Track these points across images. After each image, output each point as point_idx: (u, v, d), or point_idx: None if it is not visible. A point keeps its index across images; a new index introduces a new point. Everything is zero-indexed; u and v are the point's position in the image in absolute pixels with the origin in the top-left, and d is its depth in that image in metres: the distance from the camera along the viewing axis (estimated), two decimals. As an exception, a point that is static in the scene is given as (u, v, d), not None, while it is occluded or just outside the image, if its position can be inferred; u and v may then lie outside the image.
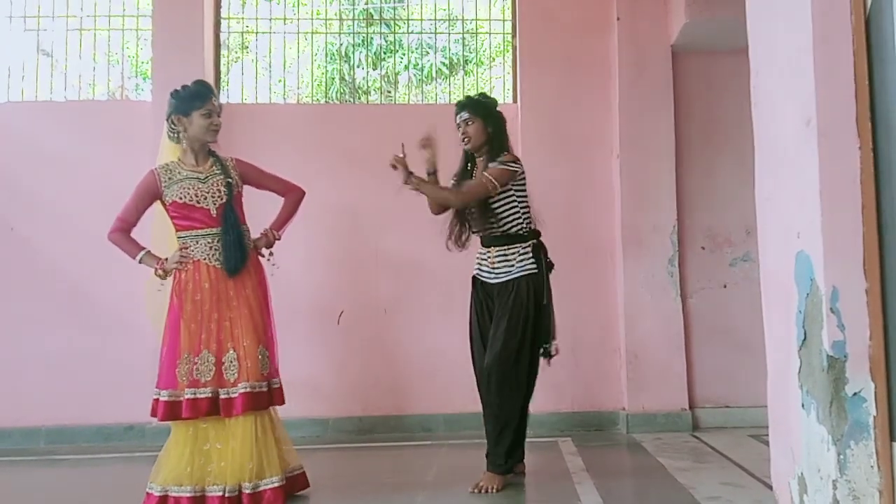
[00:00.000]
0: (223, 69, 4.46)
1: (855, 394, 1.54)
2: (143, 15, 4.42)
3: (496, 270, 2.87)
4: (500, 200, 2.85)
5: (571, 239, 4.12)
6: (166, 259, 2.71)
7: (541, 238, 2.96)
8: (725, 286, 4.11)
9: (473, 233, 2.99)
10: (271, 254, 2.85)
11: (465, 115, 2.92)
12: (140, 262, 2.74)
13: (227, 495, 2.52)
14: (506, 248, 2.87)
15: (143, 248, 2.75)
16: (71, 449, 3.85)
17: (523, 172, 2.90)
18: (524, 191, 2.92)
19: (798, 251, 1.68)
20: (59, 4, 4.36)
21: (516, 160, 2.89)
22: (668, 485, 2.85)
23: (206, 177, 2.70)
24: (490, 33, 4.66)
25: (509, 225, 2.87)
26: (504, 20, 4.54)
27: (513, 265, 2.85)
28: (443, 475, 3.07)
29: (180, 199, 2.66)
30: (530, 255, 2.87)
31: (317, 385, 4.00)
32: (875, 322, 1.55)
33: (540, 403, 4.05)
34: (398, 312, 4.13)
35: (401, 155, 2.80)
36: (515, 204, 2.88)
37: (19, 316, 4.04)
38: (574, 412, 4.04)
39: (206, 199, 2.67)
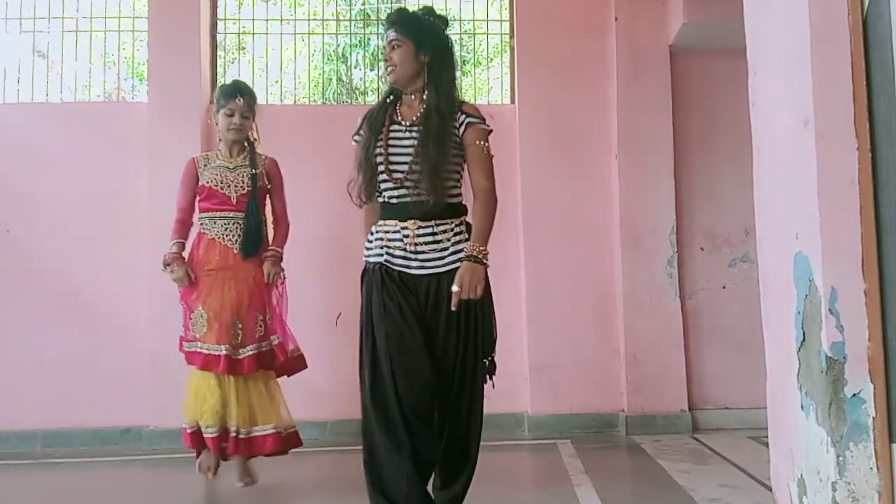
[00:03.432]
0: (220, 70, 4.45)
1: (854, 395, 1.54)
2: (139, 16, 4.40)
3: (420, 256, 2.09)
4: (453, 164, 2.14)
5: (570, 240, 4.12)
6: (176, 259, 2.92)
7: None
8: (724, 287, 4.10)
9: (385, 194, 2.15)
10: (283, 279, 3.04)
11: (392, 34, 2.16)
12: (170, 248, 2.95)
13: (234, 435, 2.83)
14: (434, 223, 2.09)
15: (179, 239, 2.96)
16: (67, 452, 3.83)
17: None
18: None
19: (797, 252, 1.68)
20: (55, 6, 4.35)
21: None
22: (668, 487, 2.84)
23: (235, 167, 2.96)
24: (488, 34, 4.65)
25: (447, 195, 2.11)
26: (502, 21, 4.53)
27: (446, 248, 2.09)
28: (441, 477, 3.06)
29: (208, 182, 2.93)
30: (465, 234, 2.13)
31: (315, 387, 3.98)
32: (874, 323, 1.54)
33: (539, 405, 4.07)
34: (396, 314, 4.12)
35: None
36: (459, 170, 2.18)
37: (15, 319, 4.02)
38: (573, 414, 4.02)
39: (229, 186, 2.92)
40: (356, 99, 5.07)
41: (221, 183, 2.92)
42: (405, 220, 2.10)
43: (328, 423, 4.02)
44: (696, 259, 4.12)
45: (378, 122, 2.18)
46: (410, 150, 2.10)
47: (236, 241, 2.91)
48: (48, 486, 3.26)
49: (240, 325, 2.86)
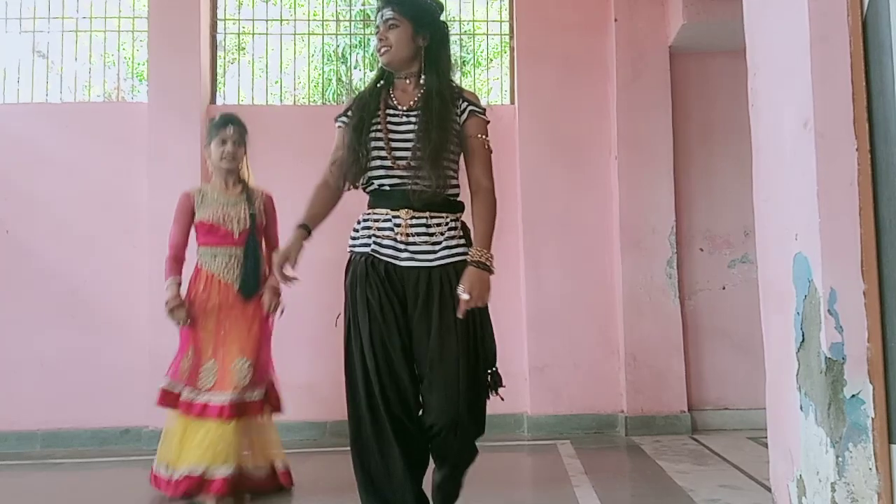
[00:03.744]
0: (219, 70, 4.45)
1: (853, 396, 1.54)
2: (138, 16, 4.41)
3: (411, 247, 1.95)
4: (453, 152, 2.01)
5: (569, 241, 4.12)
6: (178, 305, 2.84)
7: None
8: (724, 288, 4.10)
9: (376, 181, 2.00)
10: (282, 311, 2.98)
11: (388, 13, 2.01)
12: (166, 288, 2.88)
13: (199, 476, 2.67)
14: (429, 214, 1.96)
15: (175, 277, 2.88)
16: (67, 453, 3.83)
17: None
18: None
19: (796, 253, 1.68)
20: (55, 6, 4.35)
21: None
22: (667, 487, 2.84)
23: (235, 202, 2.91)
24: (487, 34, 4.65)
25: (445, 187, 1.97)
26: (502, 21, 4.53)
27: (438, 242, 1.95)
28: (440, 478, 3.06)
29: (207, 219, 2.87)
30: (460, 232, 2.01)
31: (313, 388, 3.98)
32: (873, 324, 1.54)
33: (538, 406, 4.07)
34: (396, 314, 4.12)
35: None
36: (458, 160, 2.05)
37: (14, 319, 4.02)
38: (573, 414, 4.02)
39: (232, 222, 2.88)
40: (356, 99, 5.05)
41: (224, 218, 2.87)
42: (397, 210, 1.96)
43: (327, 423, 4.02)
44: (696, 260, 4.12)
45: (372, 105, 2.03)
46: (410, 136, 1.96)
47: (236, 277, 2.85)
48: (47, 487, 3.26)
49: (248, 365, 2.79)
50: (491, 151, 2.05)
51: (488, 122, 2.07)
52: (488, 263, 1.92)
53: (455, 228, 1.99)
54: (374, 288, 1.96)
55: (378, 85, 2.08)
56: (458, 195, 2.05)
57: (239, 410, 2.72)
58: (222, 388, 2.73)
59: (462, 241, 1.99)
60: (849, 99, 1.58)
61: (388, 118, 2.00)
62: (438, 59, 2.04)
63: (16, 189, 4.10)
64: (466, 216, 2.06)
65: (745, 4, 2.05)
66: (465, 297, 1.87)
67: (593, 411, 4.03)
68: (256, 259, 2.89)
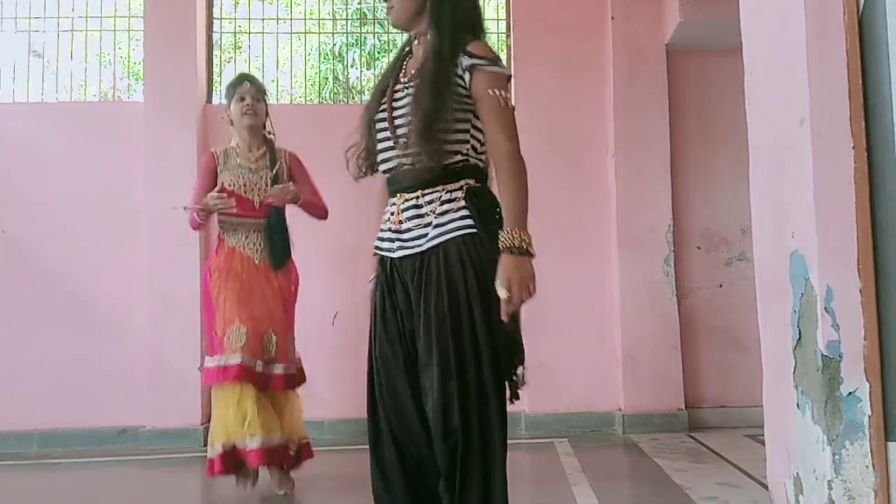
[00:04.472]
0: (216, 69, 4.44)
1: (850, 393, 1.54)
2: (135, 16, 4.40)
3: (403, 237, 1.68)
4: (459, 119, 1.68)
5: (567, 239, 4.12)
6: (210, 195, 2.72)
7: (485, 182, 1.74)
8: (721, 286, 4.11)
9: (381, 167, 1.77)
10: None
11: None
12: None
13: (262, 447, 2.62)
14: (419, 193, 1.67)
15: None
16: (64, 452, 3.83)
17: None
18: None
19: (792, 251, 1.68)
20: (51, 5, 4.34)
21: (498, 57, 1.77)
22: (665, 485, 2.85)
23: (257, 168, 2.84)
24: (484, 33, 4.64)
25: (447, 158, 1.66)
26: (498, 20, 4.53)
27: (430, 222, 1.65)
28: (438, 477, 3.06)
29: (229, 185, 2.79)
30: (462, 202, 1.65)
31: (312, 387, 3.96)
32: (870, 322, 1.54)
33: (536, 404, 4.07)
34: (393, 313, 4.11)
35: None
36: (469, 127, 1.70)
37: (12, 319, 4.01)
38: (570, 413, 4.03)
39: (252, 190, 2.81)
40: (353, 98, 5.06)
41: (244, 186, 2.79)
42: (394, 195, 1.72)
43: (325, 422, 4.02)
44: (693, 258, 4.12)
45: (384, 80, 1.80)
46: (406, 109, 1.68)
47: (257, 250, 2.79)
48: (45, 487, 3.26)
49: (274, 340, 2.76)
50: (512, 108, 1.72)
51: (508, 75, 1.74)
52: (525, 246, 1.58)
53: (452, 200, 1.65)
54: (379, 291, 1.74)
55: (401, 55, 1.84)
56: (463, 162, 1.70)
57: (264, 381, 2.69)
58: (250, 353, 2.65)
59: (463, 213, 1.64)
60: (845, 97, 1.58)
61: (395, 93, 1.75)
62: (440, 11, 1.72)
63: (12, 189, 4.09)
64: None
65: (741, 2, 2.05)
66: (503, 293, 1.55)
67: (591, 409, 4.04)
68: (282, 229, 2.82)
